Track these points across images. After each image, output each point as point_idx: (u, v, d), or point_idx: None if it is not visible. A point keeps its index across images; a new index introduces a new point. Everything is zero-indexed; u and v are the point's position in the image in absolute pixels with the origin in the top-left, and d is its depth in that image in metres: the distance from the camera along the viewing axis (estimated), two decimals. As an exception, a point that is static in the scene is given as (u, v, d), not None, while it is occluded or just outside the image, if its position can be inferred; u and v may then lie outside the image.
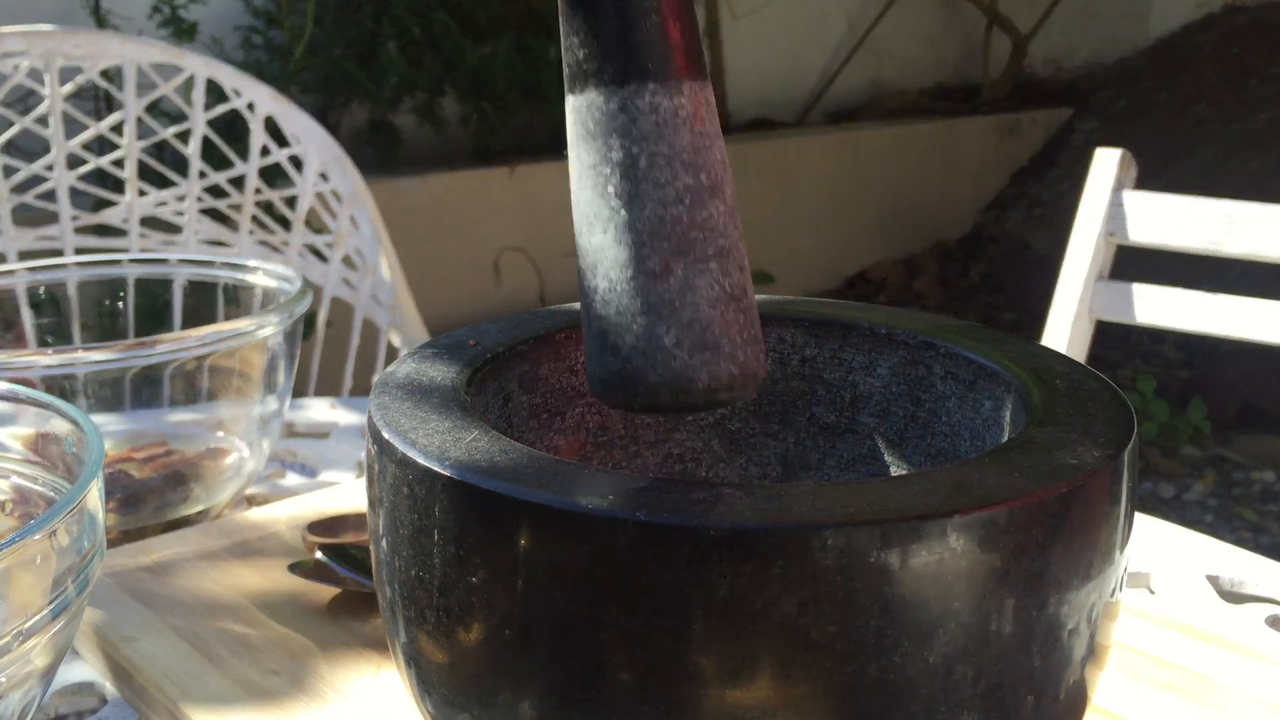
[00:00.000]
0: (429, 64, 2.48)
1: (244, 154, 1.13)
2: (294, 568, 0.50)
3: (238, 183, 1.14)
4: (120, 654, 0.46)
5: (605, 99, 0.34)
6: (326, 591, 0.50)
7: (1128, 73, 3.99)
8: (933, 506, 0.29)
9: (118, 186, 1.12)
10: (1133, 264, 1.14)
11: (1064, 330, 0.96)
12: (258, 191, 1.14)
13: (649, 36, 0.33)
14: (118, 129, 1.09)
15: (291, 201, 1.15)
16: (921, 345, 0.43)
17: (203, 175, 1.12)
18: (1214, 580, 0.57)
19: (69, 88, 1.05)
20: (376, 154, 2.58)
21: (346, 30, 2.46)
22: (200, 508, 0.62)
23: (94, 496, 0.38)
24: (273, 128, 1.13)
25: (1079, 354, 0.96)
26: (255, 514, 0.58)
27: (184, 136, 1.12)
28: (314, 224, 1.16)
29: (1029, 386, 0.38)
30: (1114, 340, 2.90)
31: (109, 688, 0.48)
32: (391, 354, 1.16)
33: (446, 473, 0.32)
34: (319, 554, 0.50)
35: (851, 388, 0.46)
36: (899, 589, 0.29)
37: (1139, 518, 0.58)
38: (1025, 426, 0.35)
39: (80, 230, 1.10)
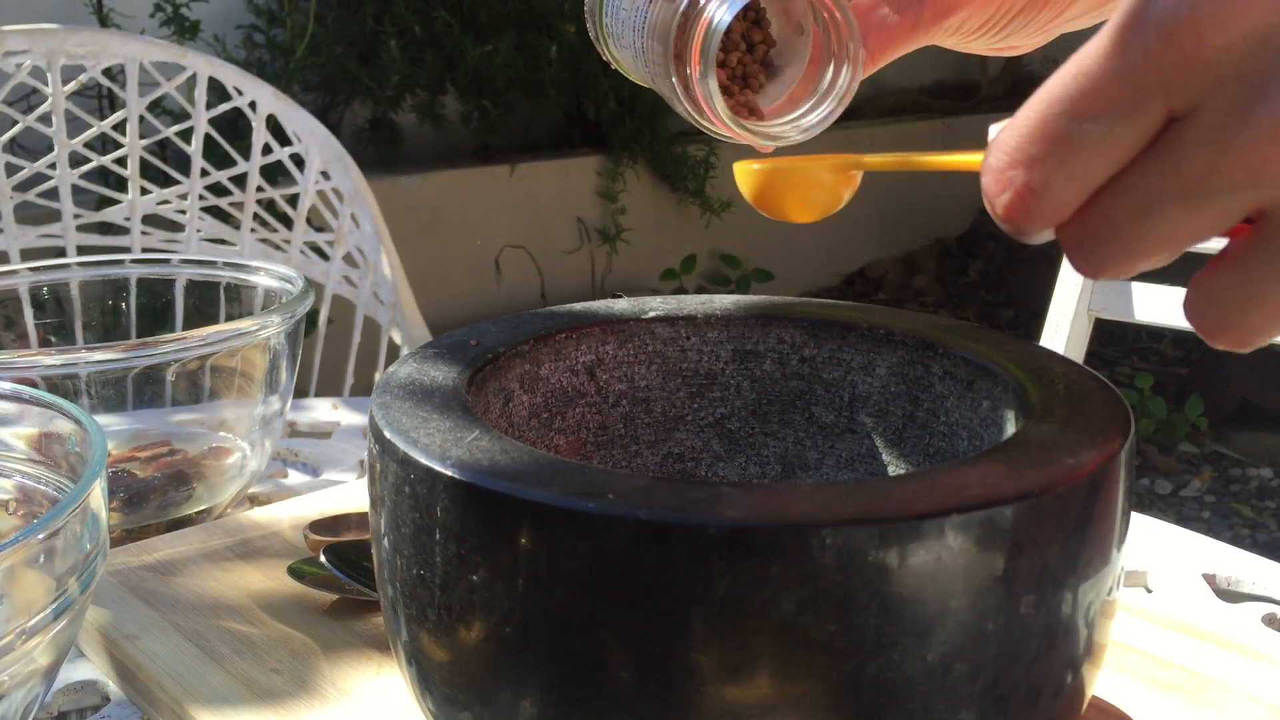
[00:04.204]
0: (430, 62, 2.48)
1: (246, 152, 1.13)
2: (292, 571, 0.50)
3: (240, 181, 1.14)
4: (123, 652, 0.46)
5: None
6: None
7: (1127, 70, 3.98)
8: (931, 505, 0.30)
9: (120, 185, 1.12)
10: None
11: (1063, 327, 0.97)
12: (259, 189, 1.14)
13: None
14: (120, 127, 1.10)
15: (293, 199, 1.15)
16: (920, 345, 0.44)
17: (205, 173, 1.13)
18: (1211, 579, 0.57)
19: (72, 86, 1.05)
20: (378, 152, 2.58)
21: (348, 29, 2.46)
22: (203, 507, 0.62)
23: (97, 496, 0.38)
24: (274, 126, 1.13)
25: (1077, 351, 0.96)
26: (257, 513, 0.58)
27: (186, 135, 1.12)
28: (315, 222, 1.16)
29: (1027, 386, 0.38)
30: (1112, 337, 2.90)
31: (111, 686, 0.48)
32: (393, 351, 1.16)
33: (448, 472, 0.32)
34: (323, 557, 0.50)
35: (850, 387, 0.46)
36: (897, 588, 0.29)
37: (1136, 517, 0.59)
38: (1023, 426, 0.36)
39: (82, 228, 1.10)
